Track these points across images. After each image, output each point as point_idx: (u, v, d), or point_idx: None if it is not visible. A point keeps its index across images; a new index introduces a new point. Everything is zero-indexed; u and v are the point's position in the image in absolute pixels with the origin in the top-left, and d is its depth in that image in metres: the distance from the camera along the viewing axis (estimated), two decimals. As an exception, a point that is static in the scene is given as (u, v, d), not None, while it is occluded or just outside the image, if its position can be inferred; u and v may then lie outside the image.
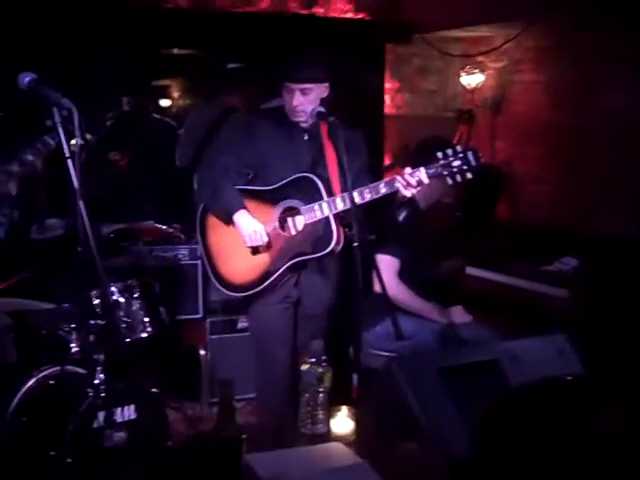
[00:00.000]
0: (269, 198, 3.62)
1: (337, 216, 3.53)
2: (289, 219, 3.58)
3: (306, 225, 3.55)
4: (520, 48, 5.90)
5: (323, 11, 6.08)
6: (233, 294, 3.71)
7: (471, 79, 6.20)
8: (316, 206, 3.52)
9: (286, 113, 3.64)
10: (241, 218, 3.56)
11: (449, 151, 3.39)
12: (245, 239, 3.56)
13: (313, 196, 3.54)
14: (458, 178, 3.39)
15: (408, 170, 3.39)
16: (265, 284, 3.61)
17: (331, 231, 3.52)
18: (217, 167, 3.69)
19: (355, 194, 3.39)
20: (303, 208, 3.54)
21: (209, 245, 3.75)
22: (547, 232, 4.96)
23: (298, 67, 3.56)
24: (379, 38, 6.22)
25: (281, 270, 3.60)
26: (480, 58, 6.20)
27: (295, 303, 3.74)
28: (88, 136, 3.31)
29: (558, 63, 5.64)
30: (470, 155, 3.38)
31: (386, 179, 3.44)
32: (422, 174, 3.38)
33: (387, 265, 3.85)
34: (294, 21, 5.93)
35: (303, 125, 3.66)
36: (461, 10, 5.60)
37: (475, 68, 6.18)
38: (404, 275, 3.95)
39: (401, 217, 3.93)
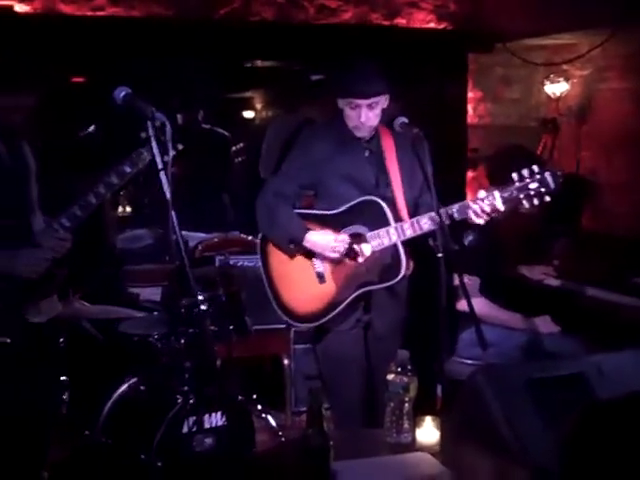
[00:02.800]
0: (333, 223, 3.46)
1: (405, 242, 3.38)
2: (355, 246, 3.40)
3: (373, 252, 3.39)
4: (606, 55, 5.80)
5: (405, 22, 6.09)
6: (297, 324, 3.59)
7: (555, 87, 6.12)
8: (383, 232, 3.36)
9: (343, 128, 3.49)
10: (312, 237, 3.42)
11: (525, 172, 3.21)
12: (329, 254, 3.40)
13: (379, 221, 3.38)
14: (535, 202, 3.22)
15: (482, 194, 3.26)
16: (331, 315, 3.46)
17: (400, 260, 3.36)
18: (270, 192, 3.52)
19: (424, 220, 3.31)
20: (369, 235, 3.39)
21: (271, 274, 3.59)
22: (633, 242, 4.86)
23: (363, 82, 3.38)
24: (461, 48, 6.19)
25: (347, 301, 3.44)
26: (565, 66, 6.11)
27: (365, 326, 3.58)
28: (180, 146, 3.38)
29: (645, 70, 5.54)
30: (548, 177, 3.20)
31: (457, 205, 3.28)
32: (497, 200, 3.24)
33: (468, 285, 3.81)
34: (377, 32, 5.96)
35: (363, 140, 3.51)
36: (545, 18, 5.53)
37: (559, 76, 6.09)
38: (487, 288, 3.92)
39: (467, 241, 3.86)
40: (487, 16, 6.06)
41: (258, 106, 8.49)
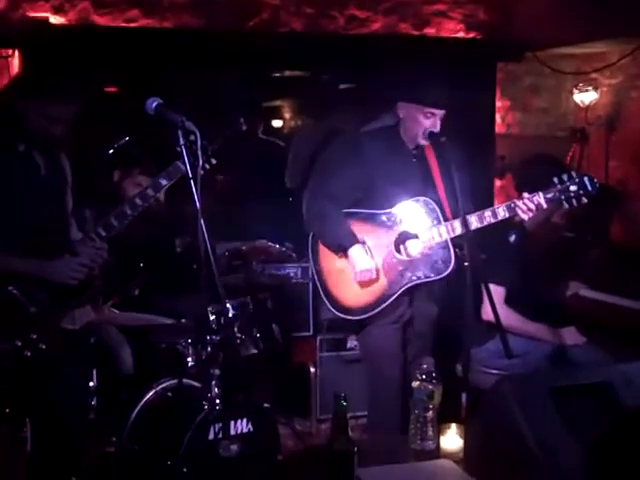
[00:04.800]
0: (384, 221, 3.65)
1: (452, 239, 3.57)
2: (406, 242, 3.62)
3: (423, 248, 3.58)
4: (636, 64, 5.76)
5: (435, 31, 6.10)
6: (348, 317, 3.73)
7: (584, 96, 6.08)
8: (434, 229, 3.56)
9: (394, 135, 3.69)
10: (355, 253, 3.59)
11: (565, 176, 3.45)
12: (356, 275, 3.59)
13: (430, 219, 3.59)
14: (574, 203, 3.46)
15: (527, 195, 3.45)
16: (381, 307, 3.64)
17: (449, 255, 3.56)
18: (324, 195, 3.68)
19: (474, 218, 3.46)
20: (422, 232, 3.59)
21: (321, 269, 3.77)
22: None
23: (442, 93, 3.60)
24: (490, 57, 6.20)
25: (397, 293, 3.63)
26: (594, 75, 6.09)
27: (406, 322, 3.77)
28: (213, 161, 3.43)
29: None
30: (587, 180, 3.45)
31: (505, 203, 3.51)
32: (541, 199, 3.46)
33: (494, 295, 3.81)
34: (406, 42, 5.98)
35: (411, 147, 3.70)
36: (573, 27, 5.52)
37: (588, 85, 6.06)
38: (514, 299, 3.89)
39: (512, 239, 3.89)
40: (516, 25, 6.06)
41: (287, 115, 8.53)
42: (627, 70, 5.90)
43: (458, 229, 3.49)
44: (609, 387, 2.35)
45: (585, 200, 3.45)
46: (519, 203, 3.47)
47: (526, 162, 4.18)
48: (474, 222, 3.48)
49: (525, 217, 3.50)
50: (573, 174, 3.47)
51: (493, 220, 3.50)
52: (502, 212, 3.51)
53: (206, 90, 5.92)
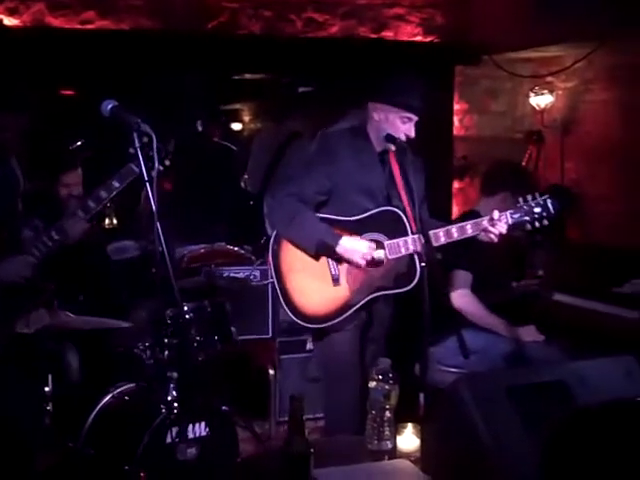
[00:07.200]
0: (352, 229, 3.56)
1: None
2: (375, 253, 3.53)
3: (389, 260, 3.53)
4: (591, 67, 5.85)
5: (392, 35, 6.13)
6: (308, 325, 3.66)
7: (540, 100, 6.16)
8: (401, 242, 3.49)
9: (362, 136, 3.64)
10: (349, 243, 3.49)
11: (529, 197, 3.50)
12: (357, 260, 3.48)
13: (397, 230, 3.52)
14: (537, 224, 3.52)
15: (496, 214, 3.45)
16: (342, 317, 3.57)
17: (415, 268, 3.47)
18: (293, 197, 3.57)
19: (441, 233, 3.46)
20: (387, 243, 3.52)
21: (283, 275, 3.65)
22: (618, 253, 4.89)
23: (420, 99, 3.57)
24: (448, 60, 6.25)
25: (360, 304, 3.57)
26: (550, 78, 6.17)
27: (362, 327, 3.71)
28: (167, 162, 3.41)
29: (630, 82, 5.58)
30: (550, 204, 3.50)
31: (473, 221, 3.50)
32: (509, 219, 3.48)
33: (461, 279, 3.89)
34: (364, 45, 6.00)
35: (378, 150, 3.64)
36: (530, 31, 5.58)
37: (544, 88, 6.14)
38: (475, 294, 3.97)
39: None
40: (473, 29, 6.11)
41: (246, 118, 8.52)
42: (582, 74, 5.98)
43: (423, 243, 3.41)
44: (564, 385, 2.37)
45: (547, 223, 3.51)
46: (488, 221, 3.47)
47: (491, 168, 4.27)
48: (442, 238, 3.46)
49: (492, 236, 3.48)
50: (537, 196, 3.50)
51: (461, 237, 3.48)
52: (470, 229, 3.49)
53: (163, 93, 5.89)
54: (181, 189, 6.01)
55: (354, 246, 3.49)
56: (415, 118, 3.56)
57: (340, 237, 3.49)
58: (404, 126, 3.54)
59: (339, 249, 3.49)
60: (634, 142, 5.41)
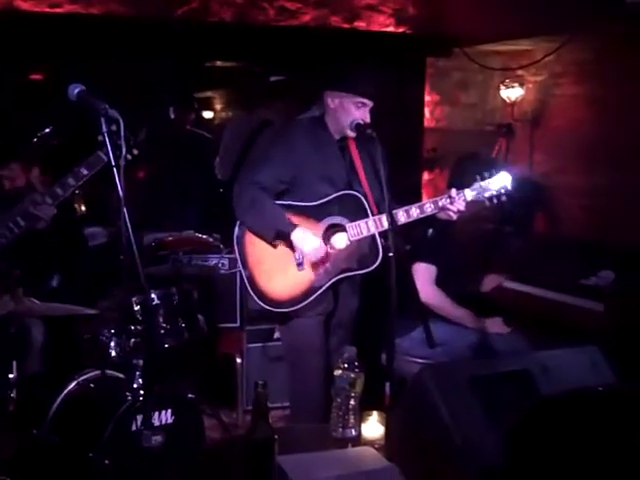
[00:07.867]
0: (313, 214, 3.63)
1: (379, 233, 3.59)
2: (334, 235, 3.61)
3: (351, 242, 3.59)
4: (560, 61, 5.88)
5: (365, 25, 6.13)
6: (275, 310, 3.68)
7: (511, 93, 6.18)
8: (362, 224, 3.57)
9: (321, 125, 3.69)
10: (299, 236, 3.53)
11: (486, 174, 3.58)
12: (307, 256, 3.56)
13: (358, 213, 3.59)
14: (494, 200, 3.62)
15: (454, 192, 3.55)
16: (309, 300, 3.62)
17: (377, 248, 3.56)
18: (254, 185, 3.61)
19: (401, 213, 3.52)
20: (348, 225, 3.59)
21: (248, 261, 3.69)
22: (585, 245, 4.94)
23: (374, 84, 3.63)
24: (420, 52, 6.26)
25: (326, 286, 3.62)
26: (520, 72, 6.19)
27: (328, 314, 3.76)
28: (135, 151, 3.39)
29: (599, 77, 5.62)
30: (506, 179, 3.60)
31: (432, 199, 3.60)
32: (467, 196, 3.58)
33: (424, 272, 3.91)
34: (336, 35, 5.99)
35: (337, 138, 3.70)
36: (502, 24, 5.61)
37: (515, 82, 6.16)
38: (440, 286, 3.99)
39: (429, 233, 4.00)
40: (445, 21, 6.12)
41: (217, 106, 8.48)
42: (551, 68, 6.01)
43: (385, 224, 3.47)
44: (527, 375, 2.39)
45: (505, 198, 3.60)
46: (445, 199, 3.56)
47: (458, 160, 4.27)
48: (401, 217, 3.53)
49: (451, 214, 3.58)
50: (493, 172, 3.59)
51: (421, 215, 3.56)
52: (429, 208, 3.57)
53: (135, 79, 5.85)
54: (153, 176, 5.99)
55: (305, 238, 3.54)
56: (369, 103, 3.60)
57: (294, 227, 3.54)
58: (358, 111, 3.59)
59: (293, 237, 3.55)
60: (602, 136, 5.45)
